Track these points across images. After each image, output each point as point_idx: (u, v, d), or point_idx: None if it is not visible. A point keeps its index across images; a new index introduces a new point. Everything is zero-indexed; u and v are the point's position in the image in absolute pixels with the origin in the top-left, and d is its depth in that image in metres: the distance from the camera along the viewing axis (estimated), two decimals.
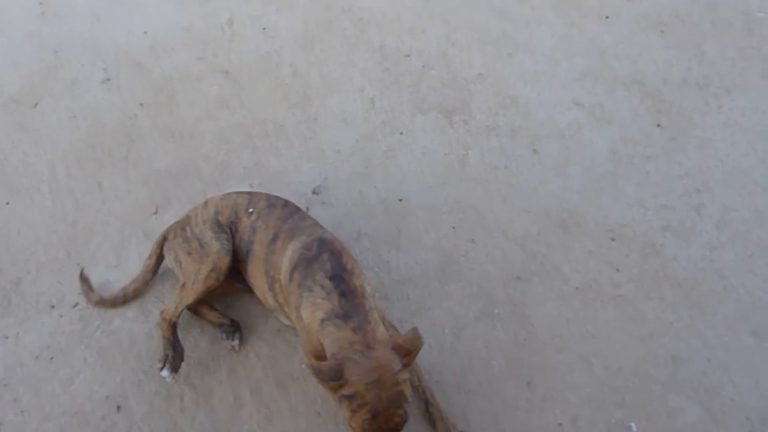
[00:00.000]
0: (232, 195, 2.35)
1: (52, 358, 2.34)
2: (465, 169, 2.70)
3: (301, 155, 2.81)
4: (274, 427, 2.10)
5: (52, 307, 2.49)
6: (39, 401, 2.24)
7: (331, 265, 1.92)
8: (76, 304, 2.48)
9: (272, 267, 2.09)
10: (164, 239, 2.39)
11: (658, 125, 2.79)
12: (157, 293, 2.44)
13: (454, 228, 2.52)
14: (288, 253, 2.03)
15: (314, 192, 2.67)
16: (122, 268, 2.56)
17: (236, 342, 2.26)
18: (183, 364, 2.23)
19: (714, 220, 2.50)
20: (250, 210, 2.23)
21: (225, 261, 2.18)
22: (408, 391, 1.75)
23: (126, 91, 3.13)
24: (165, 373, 2.20)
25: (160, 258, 2.41)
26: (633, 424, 2.07)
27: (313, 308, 1.87)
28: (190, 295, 2.21)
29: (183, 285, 2.24)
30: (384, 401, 1.69)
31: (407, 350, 1.74)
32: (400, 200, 2.62)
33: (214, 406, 2.16)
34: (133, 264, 2.55)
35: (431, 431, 2.02)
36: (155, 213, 2.71)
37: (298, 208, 2.25)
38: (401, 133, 2.84)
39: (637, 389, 2.14)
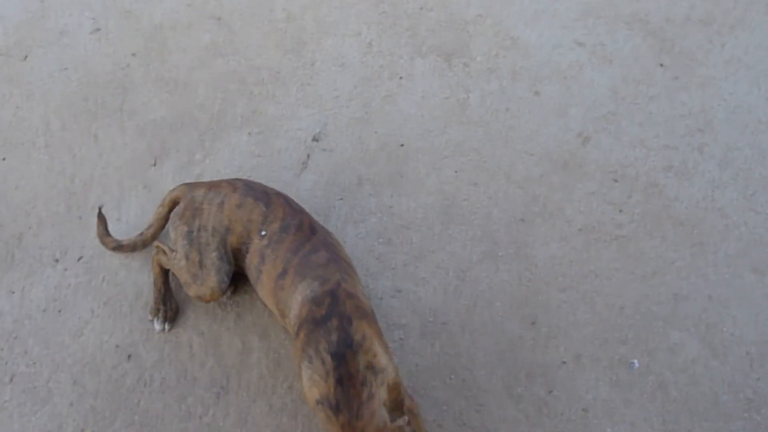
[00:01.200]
0: (249, 202, 2.12)
1: (59, 311, 2.36)
2: (466, 112, 2.67)
3: (299, 102, 2.76)
4: (282, 370, 2.14)
5: (56, 261, 2.49)
6: (50, 353, 2.27)
7: (338, 336, 1.77)
8: (80, 258, 2.48)
9: (281, 302, 1.98)
10: (178, 199, 2.27)
11: (661, 65, 2.76)
12: (160, 242, 2.44)
13: (456, 172, 2.51)
14: (298, 298, 1.91)
15: (314, 139, 2.64)
16: (124, 221, 2.55)
17: (227, 293, 2.28)
18: (190, 313, 2.26)
19: (716, 159, 2.49)
20: (263, 233, 2.06)
21: (216, 297, 2.11)
22: None
23: (116, 41, 3.05)
24: (158, 326, 2.23)
25: (171, 209, 2.32)
26: (636, 361, 2.12)
27: (310, 383, 1.76)
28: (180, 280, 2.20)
29: (175, 269, 2.17)
30: None
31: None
32: (402, 145, 2.59)
33: (224, 352, 2.20)
34: (135, 216, 2.55)
35: None
36: (154, 165, 2.68)
37: (312, 232, 2.07)
38: (400, 78, 2.79)
39: (639, 326, 2.17)
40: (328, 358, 1.73)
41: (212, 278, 2.08)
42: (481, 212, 2.42)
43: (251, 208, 2.10)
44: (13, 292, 2.43)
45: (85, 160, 2.72)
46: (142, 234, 2.37)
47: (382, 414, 1.69)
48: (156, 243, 2.29)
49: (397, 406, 1.79)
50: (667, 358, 2.11)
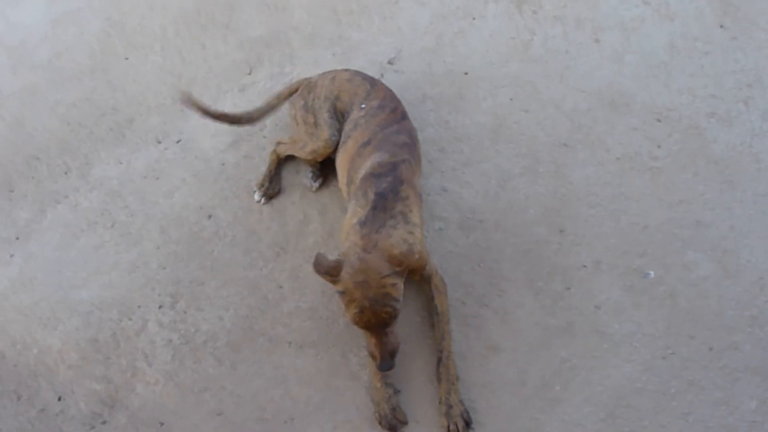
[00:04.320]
0: (358, 79, 2.52)
1: (157, 178, 2.79)
2: (528, 51, 2.92)
3: (380, 31, 3.10)
4: (335, 240, 2.47)
5: (159, 141, 2.93)
6: (144, 207, 2.70)
7: (387, 185, 2.11)
8: (179, 140, 2.91)
9: (354, 168, 2.31)
10: (296, 89, 2.65)
11: (721, 26, 2.90)
12: (251, 131, 2.83)
13: (510, 99, 2.77)
14: (367, 163, 2.24)
15: (389, 62, 2.97)
16: None
17: (316, 184, 2.61)
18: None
19: (760, 112, 2.63)
20: (363, 106, 2.44)
21: (328, 150, 2.47)
22: (396, 293, 1.95)
23: None
24: (257, 196, 2.60)
25: (283, 102, 2.67)
26: (651, 272, 2.31)
27: (353, 213, 2.12)
28: (295, 152, 2.57)
29: (294, 141, 2.57)
30: (369, 299, 1.91)
31: (399, 260, 1.94)
32: (465, 73, 2.88)
33: (287, 220, 2.56)
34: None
35: (436, 386, 2.15)
36: (249, 73, 3.08)
37: (403, 117, 2.41)
38: (473, 18, 3.07)
39: (659, 244, 2.36)
40: (372, 195, 2.08)
41: (325, 132, 2.45)
42: (528, 134, 2.66)
43: (358, 84, 2.50)
44: (121, 163, 2.88)
45: (192, 64, 3.16)
46: (248, 113, 2.61)
47: (397, 243, 2.00)
48: (277, 139, 2.66)
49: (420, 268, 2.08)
50: (680, 273, 2.30)
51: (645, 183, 2.50)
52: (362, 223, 2.04)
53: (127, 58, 3.26)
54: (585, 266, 2.35)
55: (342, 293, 1.96)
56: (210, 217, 2.62)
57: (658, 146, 2.58)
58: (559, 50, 2.91)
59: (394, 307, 1.95)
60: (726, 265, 2.29)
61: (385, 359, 2.00)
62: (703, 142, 2.57)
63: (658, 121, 2.64)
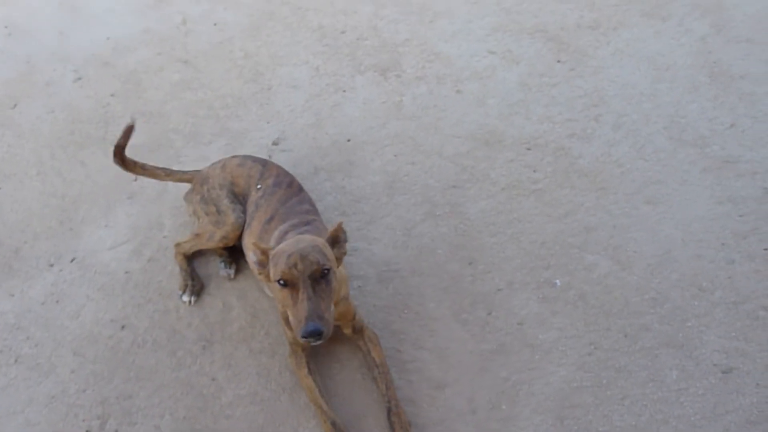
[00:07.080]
0: (248, 163, 2.58)
1: (57, 301, 2.66)
2: (401, 111, 3.15)
3: (260, 117, 3.22)
4: (259, 320, 2.47)
5: (51, 265, 2.81)
6: (50, 334, 2.56)
7: (306, 230, 2.19)
8: (73, 259, 2.80)
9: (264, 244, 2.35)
10: (189, 179, 2.70)
11: (559, 61, 3.31)
12: (150, 235, 2.79)
13: (395, 156, 2.96)
14: (275, 234, 2.30)
15: (274, 143, 3.08)
16: (112, 227, 2.90)
17: (231, 271, 2.61)
18: (176, 285, 2.59)
19: (610, 125, 2.99)
20: (259, 186, 2.51)
21: (237, 233, 2.50)
22: (327, 252, 1.93)
23: (97, 86, 3.51)
24: (186, 297, 2.54)
25: (170, 180, 2.76)
26: (558, 281, 2.50)
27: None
28: (202, 246, 2.56)
29: (198, 235, 2.56)
30: (298, 249, 1.88)
31: (334, 237, 2.00)
32: (348, 140, 3.05)
33: (207, 312, 2.52)
34: (122, 222, 2.90)
35: None
36: (135, 180, 3.06)
37: (300, 190, 2.51)
38: (344, 91, 3.29)
39: (559, 255, 2.57)
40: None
41: (230, 216, 2.48)
42: (419, 183, 2.84)
43: (250, 166, 2.56)
44: (13, 295, 2.73)
45: (74, 182, 3.10)
46: (151, 167, 2.70)
47: None
48: (175, 242, 2.65)
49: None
50: (584, 276, 2.50)
51: (532, 204, 2.73)
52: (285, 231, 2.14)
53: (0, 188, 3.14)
54: (500, 289, 2.50)
55: (274, 257, 1.93)
56: (124, 327, 2.52)
57: (534, 171, 2.85)
58: (428, 105, 3.17)
59: (323, 262, 1.87)
60: (619, 260, 2.54)
61: (311, 316, 1.77)
62: (571, 160, 2.87)
63: (528, 149, 2.93)
